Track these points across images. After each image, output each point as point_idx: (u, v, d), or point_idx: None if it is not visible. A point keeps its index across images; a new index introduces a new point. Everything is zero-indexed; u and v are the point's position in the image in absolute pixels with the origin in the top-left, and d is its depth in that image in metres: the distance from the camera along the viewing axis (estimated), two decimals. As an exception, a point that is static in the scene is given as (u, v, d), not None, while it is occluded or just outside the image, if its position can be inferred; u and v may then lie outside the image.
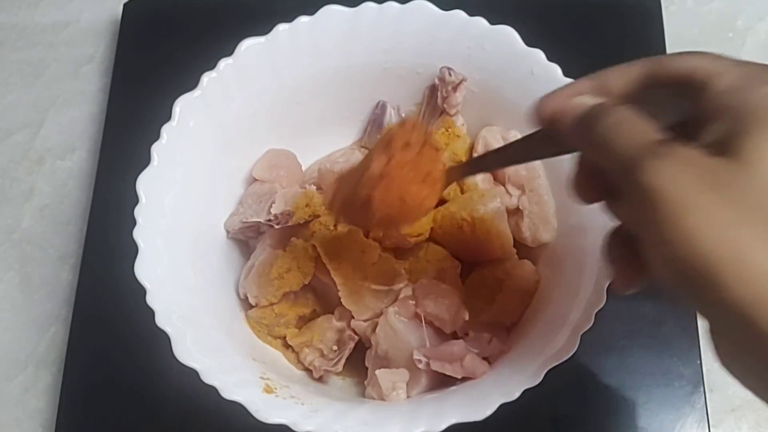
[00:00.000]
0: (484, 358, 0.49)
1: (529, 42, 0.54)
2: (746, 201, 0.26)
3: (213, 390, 0.43)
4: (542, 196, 0.54)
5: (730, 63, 0.31)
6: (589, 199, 0.36)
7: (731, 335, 0.28)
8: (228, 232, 0.57)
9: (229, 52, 0.54)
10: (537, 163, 0.55)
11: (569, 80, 0.52)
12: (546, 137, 0.36)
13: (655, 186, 0.27)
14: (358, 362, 0.53)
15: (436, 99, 0.58)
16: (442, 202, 0.55)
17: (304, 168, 0.60)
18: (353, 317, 0.53)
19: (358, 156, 0.57)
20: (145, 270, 0.47)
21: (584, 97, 0.34)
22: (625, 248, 0.35)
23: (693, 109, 0.31)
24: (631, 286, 0.36)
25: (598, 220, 0.49)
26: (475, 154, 0.57)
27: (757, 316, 0.26)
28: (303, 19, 0.55)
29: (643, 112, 0.31)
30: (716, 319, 0.28)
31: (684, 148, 0.28)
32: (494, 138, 0.56)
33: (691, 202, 0.27)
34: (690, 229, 0.26)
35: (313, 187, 0.56)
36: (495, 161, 0.44)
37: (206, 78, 0.53)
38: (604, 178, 0.33)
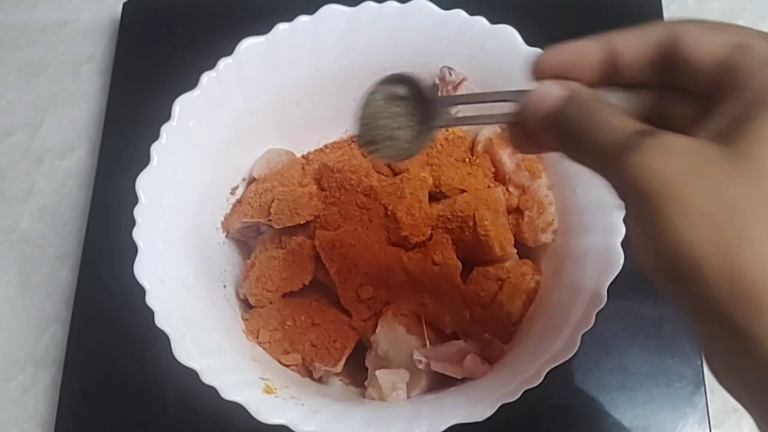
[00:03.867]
0: (485, 359, 0.49)
1: (530, 41, 0.54)
2: (735, 194, 0.25)
3: (213, 390, 0.43)
4: (543, 196, 0.54)
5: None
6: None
7: (718, 339, 0.26)
8: (228, 232, 0.57)
9: (229, 52, 0.53)
10: (538, 164, 0.55)
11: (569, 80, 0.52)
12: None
13: (641, 178, 0.26)
14: (358, 363, 0.53)
15: (437, 99, 0.57)
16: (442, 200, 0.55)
17: (303, 167, 0.60)
18: (353, 317, 0.52)
19: (358, 156, 0.57)
20: (144, 270, 0.46)
21: (556, 87, 0.32)
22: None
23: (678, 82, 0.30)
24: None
25: (598, 220, 0.49)
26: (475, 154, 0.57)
27: (741, 318, 0.24)
28: (303, 19, 0.55)
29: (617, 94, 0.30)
30: (701, 321, 0.26)
31: (671, 137, 0.26)
32: (495, 137, 0.56)
33: (676, 194, 0.25)
34: (674, 222, 0.25)
35: (314, 187, 0.56)
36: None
37: (206, 78, 0.53)
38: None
